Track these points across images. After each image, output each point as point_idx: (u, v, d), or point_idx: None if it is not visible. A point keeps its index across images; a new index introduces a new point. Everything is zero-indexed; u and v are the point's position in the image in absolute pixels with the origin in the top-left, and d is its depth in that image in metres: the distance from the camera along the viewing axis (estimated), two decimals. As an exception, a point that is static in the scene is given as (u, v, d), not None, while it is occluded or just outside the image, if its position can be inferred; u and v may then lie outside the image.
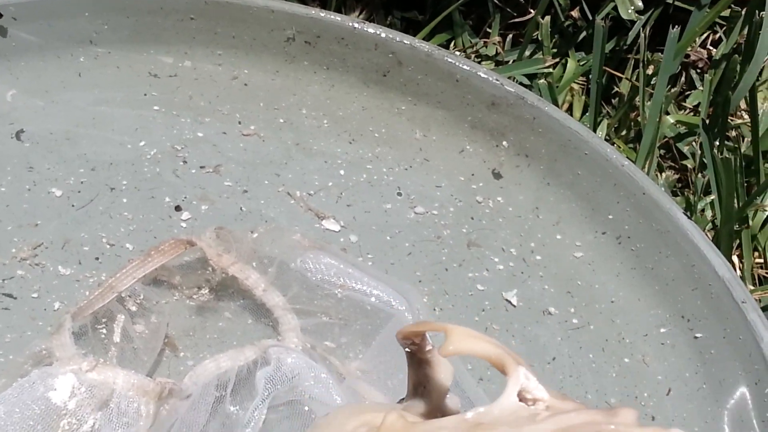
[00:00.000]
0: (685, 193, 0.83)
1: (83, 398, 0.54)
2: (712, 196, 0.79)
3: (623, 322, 0.71)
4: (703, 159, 0.81)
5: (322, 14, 0.81)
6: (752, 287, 0.76)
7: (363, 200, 0.76)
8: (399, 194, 0.77)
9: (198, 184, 0.75)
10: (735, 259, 0.79)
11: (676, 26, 0.83)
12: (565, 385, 0.67)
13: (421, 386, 0.36)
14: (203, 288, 0.67)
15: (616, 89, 0.93)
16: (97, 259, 0.68)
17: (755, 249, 0.80)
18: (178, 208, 0.73)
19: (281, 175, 0.77)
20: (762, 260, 0.79)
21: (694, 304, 0.70)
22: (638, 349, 0.69)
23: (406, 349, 0.36)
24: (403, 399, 0.39)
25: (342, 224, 0.74)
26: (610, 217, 0.75)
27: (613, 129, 0.90)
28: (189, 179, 0.75)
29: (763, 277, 0.77)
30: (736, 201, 0.81)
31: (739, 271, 0.78)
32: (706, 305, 0.69)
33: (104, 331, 0.62)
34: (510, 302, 0.71)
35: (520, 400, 0.31)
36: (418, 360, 0.36)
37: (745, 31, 0.87)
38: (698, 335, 0.69)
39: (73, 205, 0.71)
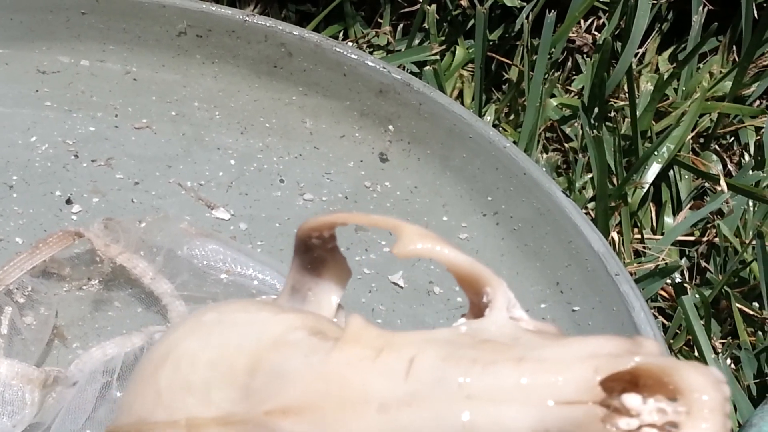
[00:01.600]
0: (568, 173, 0.86)
1: (-35, 388, 0.56)
2: (591, 174, 0.82)
3: (506, 298, 0.73)
4: (585, 140, 0.84)
5: (213, 8, 0.83)
6: (629, 261, 0.79)
7: (253, 189, 0.78)
8: (288, 182, 0.79)
9: (89, 178, 0.76)
10: (615, 235, 0.82)
11: (553, 11, 0.86)
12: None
13: (306, 288, 0.31)
14: (93, 279, 0.69)
15: (506, 75, 0.95)
16: (-15, 253, 0.69)
17: (635, 225, 0.84)
18: (68, 202, 0.74)
19: (173, 166, 0.78)
20: (640, 236, 0.82)
21: (571, 279, 0.72)
22: (520, 324, 0.72)
23: (305, 244, 0.29)
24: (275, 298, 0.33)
25: (232, 213, 0.76)
26: (495, 197, 0.77)
27: (502, 114, 0.93)
28: (80, 173, 0.76)
29: (641, 251, 0.80)
30: (615, 179, 0.84)
31: (618, 247, 0.81)
32: (582, 279, 0.72)
33: (-8, 323, 0.64)
34: (396, 284, 0.73)
35: None
36: (311, 259, 0.29)
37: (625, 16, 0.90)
38: (576, 308, 0.71)
39: (-39, 201, 0.72)
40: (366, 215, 0.31)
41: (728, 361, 0.73)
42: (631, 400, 0.25)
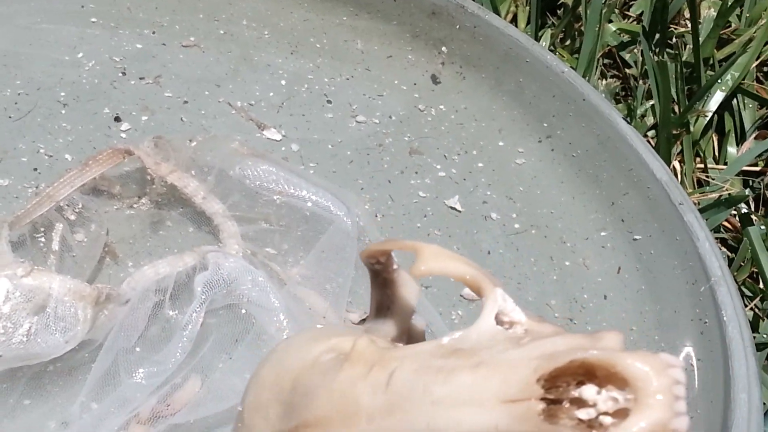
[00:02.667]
0: (628, 100, 0.83)
1: (18, 302, 0.54)
2: (653, 101, 0.79)
3: (564, 226, 0.71)
4: (645, 66, 0.82)
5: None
6: (692, 191, 0.77)
7: (304, 110, 0.76)
8: (340, 104, 0.77)
9: (138, 96, 0.74)
10: (676, 164, 0.79)
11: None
12: (506, 289, 0.67)
13: (385, 308, 0.34)
14: (143, 197, 0.67)
15: (561, 0, 0.92)
16: (35, 170, 0.68)
17: (697, 154, 0.81)
18: (117, 119, 0.72)
19: (222, 86, 0.76)
20: (703, 165, 0.80)
21: (633, 207, 0.70)
22: (579, 253, 0.70)
23: (370, 269, 0.33)
24: (364, 320, 0.37)
25: (283, 134, 0.74)
26: (552, 123, 0.75)
27: (558, 39, 0.90)
28: (128, 90, 0.75)
29: (704, 181, 0.78)
30: (677, 107, 0.81)
31: (680, 176, 0.79)
32: (644, 208, 0.70)
33: (43, 240, 0.62)
34: (453, 208, 0.71)
35: (498, 324, 0.30)
36: (382, 279, 0.33)
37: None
38: (637, 237, 0.69)
39: (10, 117, 0.71)
40: (396, 241, 0.32)
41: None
42: (587, 391, 0.26)
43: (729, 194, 0.72)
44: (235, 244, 0.63)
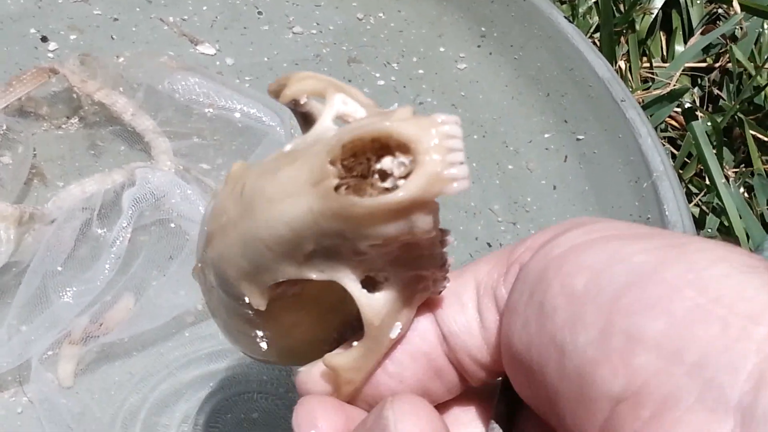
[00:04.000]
0: (571, 1, 0.81)
1: (-65, 224, 0.53)
2: (595, -1, 0.77)
3: (507, 130, 0.70)
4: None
5: None
6: (637, 88, 0.75)
7: (239, 23, 0.74)
8: (276, 15, 0.75)
9: (65, 14, 0.72)
10: (622, 64, 0.78)
11: None
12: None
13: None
14: (72, 117, 0.65)
15: None
16: (-42, 93, 0.66)
17: (644, 54, 0.79)
18: (44, 39, 0.70)
19: (153, 1, 0.74)
20: (649, 64, 0.78)
21: (575, 107, 0.69)
22: (522, 156, 0.69)
23: (292, 108, 0.35)
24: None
25: (217, 48, 0.72)
26: (493, 26, 0.74)
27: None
28: (56, 9, 0.72)
29: (650, 78, 0.76)
30: (622, 5, 0.80)
31: (627, 75, 0.77)
32: (586, 107, 0.69)
33: (-33, 163, 0.61)
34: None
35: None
36: (301, 115, 0.35)
37: None
38: (580, 137, 0.68)
39: (-70, 40, 0.69)
40: (279, 80, 0.35)
41: (741, 189, 0.70)
42: (384, 162, 0.28)
43: (672, 89, 0.71)
44: (168, 160, 0.62)
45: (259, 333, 0.34)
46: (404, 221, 0.28)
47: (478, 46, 0.74)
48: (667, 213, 0.61)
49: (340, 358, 0.32)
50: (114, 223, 0.58)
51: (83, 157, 0.64)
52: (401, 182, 0.28)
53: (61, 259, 0.56)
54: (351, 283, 0.30)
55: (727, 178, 0.70)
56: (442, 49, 0.74)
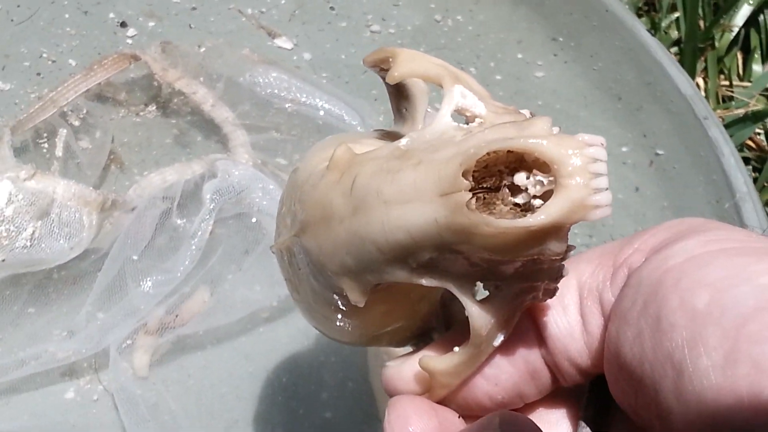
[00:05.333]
0: (651, 14, 0.80)
1: (21, 206, 0.53)
2: (678, 13, 0.76)
3: (583, 141, 0.69)
4: (670, -22, 0.79)
5: None
6: (715, 107, 0.74)
7: (317, 18, 0.73)
8: (354, 13, 0.74)
9: (145, 1, 0.72)
10: (700, 81, 0.77)
11: None
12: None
13: (403, 109, 0.35)
14: (150, 104, 0.65)
15: None
16: (38, 74, 0.66)
17: (721, 71, 0.78)
18: (123, 25, 0.70)
19: (232, -8, 0.74)
20: (728, 82, 0.77)
21: (656, 122, 0.68)
22: (598, 169, 0.68)
23: (380, 76, 0.34)
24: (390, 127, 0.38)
25: (295, 42, 0.71)
26: (573, 36, 0.73)
27: (579, -48, 0.87)
28: (135, -4, 0.72)
29: (728, 98, 0.75)
30: (702, 21, 0.79)
31: (704, 92, 0.76)
32: (667, 122, 0.67)
33: (46, 145, 0.60)
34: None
35: (467, 120, 0.30)
36: (393, 85, 0.34)
37: None
38: (659, 152, 0.67)
39: (12, 20, 0.68)
40: (384, 49, 0.33)
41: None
42: (517, 177, 0.27)
43: (754, 110, 0.70)
44: (245, 153, 0.61)
45: (348, 320, 0.33)
46: (537, 245, 0.27)
47: (555, 55, 0.73)
48: (750, 235, 0.60)
49: (439, 362, 0.31)
50: (193, 214, 0.57)
51: (160, 145, 0.64)
52: (536, 202, 0.27)
53: (140, 247, 0.56)
54: (462, 293, 0.30)
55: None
56: (519, 56, 0.73)
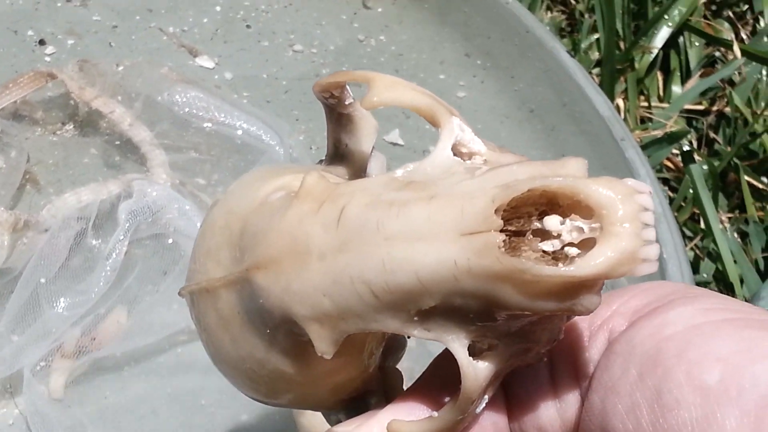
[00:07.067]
0: (573, 35, 0.81)
1: (-71, 227, 0.52)
2: (598, 35, 0.77)
3: (504, 161, 0.70)
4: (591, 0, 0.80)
5: None
6: (634, 127, 0.75)
7: (239, 37, 0.73)
8: (278, 32, 0.74)
9: (64, 18, 0.71)
10: (620, 102, 0.78)
11: None
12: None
13: (343, 144, 0.32)
14: (67, 123, 0.64)
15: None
16: (-48, 92, 0.65)
17: (641, 93, 0.80)
18: (42, 42, 0.69)
19: (153, 10, 0.73)
20: (647, 103, 0.78)
21: (574, 142, 0.69)
22: (518, 189, 0.68)
23: (324, 104, 0.31)
24: (322, 161, 0.35)
25: (216, 61, 0.71)
26: (495, 56, 0.73)
27: (503, -27, 0.87)
28: (54, 13, 0.71)
29: (647, 119, 0.77)
30: (623, 43, 0.80)
31: (624, 114, 0.77)
32: (585, 143, 0.68)
33: (-41, 165, 0.59)
34: (394, 143, 0.69)
35: (456, 155, 0.27)
36: (338, 115, 0.31)
37: None
38: (578, 173, 0.68)
39: (-75, 37, 0.67)
40: (348, 73, 0.29)
41: (735, 235, 0.70)
42: (550, 221, 0.24)
43: (671, 131, 0.71)
44: (163, 173, 0.61)
45: (285, 376, 0.30)
46: (571, 298, 0.24)
47: (474, 76, 0.73)
48: (665, 256, 0.61)
49: (413, 427, 0.28)
50: (109, 234, 0.57)
51: (77, 164, 0.63)
52: (572, 250, 0.24)
53: (54, 268, 0.55)
54: (459, 349, 0.26)
55: (721, 223, 0.70)
56: (442, 77, 0.74)
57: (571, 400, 0.28)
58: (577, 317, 0.27)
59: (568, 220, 0.24)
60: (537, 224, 0.24)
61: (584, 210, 0.24)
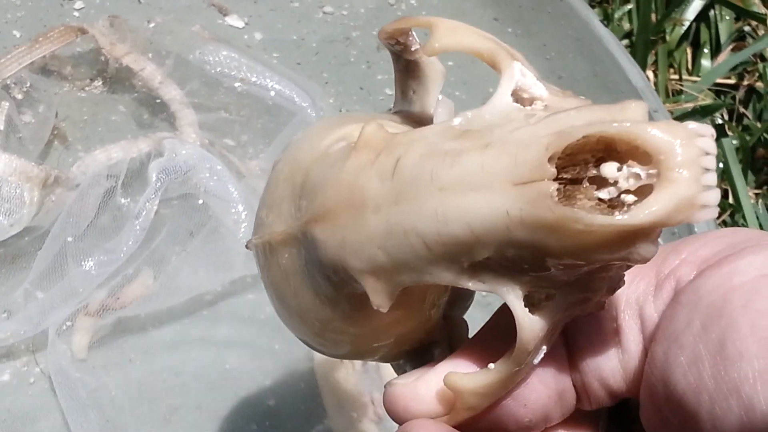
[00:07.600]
0: (604, 5, 0.80)
1: (-41, 180, 0.51)
2: (630, 5, 0.76)
3: (534, 130, 0.69)
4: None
5: None
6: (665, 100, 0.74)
7: (270, -3, 0.72)
8: (308, -8, 0.73)
9: (93, -27, 0.70)
10: (650, 74, 0.77)
11: None
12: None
13: (410, 91, 0.32)
14: (96, 79, 0.64)
15: None
16: (-20, 45, 0.64)
17: (671, 65, 0.79)
18: (70, -3, 0.68)
19: (183, -33, 0.72)
20: (677, 76, 0.78)
21: (606, 114, 0.68)
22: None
23: (391, 50, 0.31)
24: (390, 109, 0.33)
25: (246, 21, 0.70)
26: (527, 22, 0.72)
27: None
28: (83, -33, 0.70)
29: (677, 91, 0.76)
30: (654, 15, 0.79)
31: (653, 85, 0.76)
32: (618, 115, 0.68)
33: (-13, 118, 0.59)
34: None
35: (516, 101, 0.27)
36: (404, 62, 0.31)
37: None
38: (608, 145, 0.67)
39: (-46, -12, 0.66)
40: (411, 18, 0.30)
41: (761, 209, 0.69)
42: (607, 168, 0.24)
43: (703, 104, 0.70)
44: (192, 132, 0.60)
45: (349, 328, 0.30)
46: (626, 247, 0.24)
47: (512, 42, 0.72)
48: (696, 230, 0.60)
49: (470, 380, 0.27)
50: (138, 193, 0.56)
51: (106, 121, 0.62)
52: (628, 197, 0.23)
53: (82, 226, 0.55)
54: (515, 300, 0.26)
55: (750, 198, 0.69)
56: (472, 43, 0.73)
57: (635, 351, 0.28)
58: (643, 266, 0.26)
59: (625, 167, 0.23)
60: (594, 171, 0.24)
61: (643, 156, 0.23)
